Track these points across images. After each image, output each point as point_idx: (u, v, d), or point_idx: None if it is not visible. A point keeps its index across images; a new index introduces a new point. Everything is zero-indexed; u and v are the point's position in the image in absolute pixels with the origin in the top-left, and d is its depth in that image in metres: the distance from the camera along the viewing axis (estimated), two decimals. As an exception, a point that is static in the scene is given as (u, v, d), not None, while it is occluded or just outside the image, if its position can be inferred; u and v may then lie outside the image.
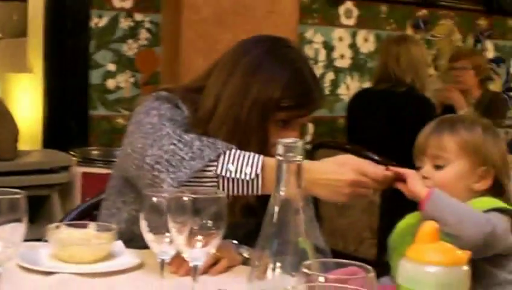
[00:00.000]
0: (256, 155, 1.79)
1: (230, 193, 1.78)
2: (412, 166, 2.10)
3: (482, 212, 1.92)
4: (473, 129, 2.06)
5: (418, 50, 4.52)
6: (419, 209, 1.93)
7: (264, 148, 1.95)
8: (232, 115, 1.97)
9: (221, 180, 1.77)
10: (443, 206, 1.91)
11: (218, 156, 1.79)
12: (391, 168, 1.91)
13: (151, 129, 1.90)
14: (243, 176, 1.76)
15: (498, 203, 1.99)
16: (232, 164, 1.78)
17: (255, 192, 1.78)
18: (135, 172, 1.89)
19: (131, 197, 2.04)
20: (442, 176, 2.04)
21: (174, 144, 1.81)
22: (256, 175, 1.76)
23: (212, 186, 1.77)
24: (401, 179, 1.95)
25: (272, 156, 1.96)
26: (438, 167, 2.05)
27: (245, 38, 2.13)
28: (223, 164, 1.78)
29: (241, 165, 1.77)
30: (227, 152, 1.80)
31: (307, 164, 1.74)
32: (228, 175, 1.77)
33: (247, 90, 1.97)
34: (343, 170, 1.77)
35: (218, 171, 1.77)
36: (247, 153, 1.80)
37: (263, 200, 1.89)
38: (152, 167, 1.80)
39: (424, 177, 2.05)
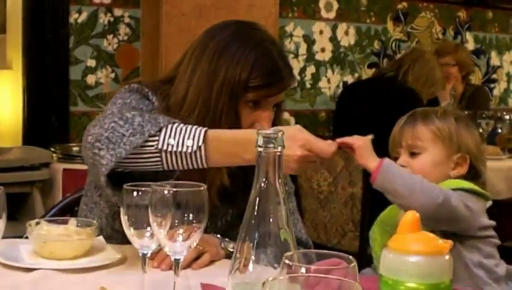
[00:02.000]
0: (199, 128, 1.78)
1: (175, 167, 1.77)
2: (395, 158, 2.12)
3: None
4: (446, 118, 2.11)
5: (435, 69, 4.65)
6: (371, 180, 1.93)
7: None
8: (202, 99, 1.97)
9: (163, 155, 1.76)
10: (394, 177, 1.92)
11: (160, 131, 1.77)
12: (338, 140, 1.90)
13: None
14: (184, 149, 1.75)
15: (468, 184, 2.02)
16: (174, 138, 1.76)
17: (199, 165, 1.76)
18: (82, 154, 1.89)
19: None
20: (419, 163, 2.08)
21: (115, 122, 1.80)
22: (198, 147, 1.74)
23: (155, 161, 1.77)
24: (351, 149, 1.95)
25: None
26: (413, 156, 2.09)
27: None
28: (164, 138, 1.76)
29: (182, 138, 1.76)
30: (169, 126, 1.78)
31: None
32: (170, 149, 1.75)
33: (215, 73, 1.97)
34: (291, 144, 1.73)
35: (160, 146, 1.76)
36: (189, 126, 1.78)
37: (241, 186, 1.90)
38: (93, 145, 1.79)
39: (402, 166, 2.07)
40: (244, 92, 1.96)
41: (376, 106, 4.40)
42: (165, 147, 1.76)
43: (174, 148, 1.75)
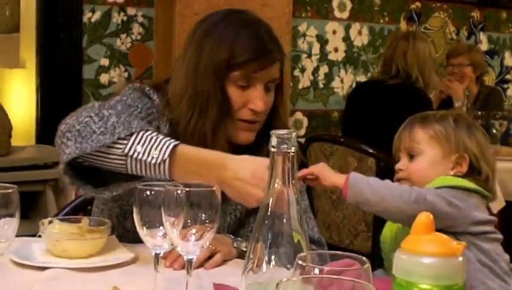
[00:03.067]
0: (170, 141, 1.77)
1: (138, 173, 1.78)
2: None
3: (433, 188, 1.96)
4: (444, 120, 2.12)
5: (425, 47, 4.53)
6: (343, 197, 1.96)
7: (228, 113, 1.97)
8: (190, 83, 1.98)
9: (128, 160, 1.77)
10: (362, 188, 1.94)
11: (130, 135, 1.78)
12: (298, 174, 1.89)
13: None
14: (149, 159, 1.75)
15: (456, 181, 2.02)
16: (142, 145, 1.76)
17: (163, 176, 1.76)
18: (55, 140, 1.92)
19: None
20: (416, 165, 2.10)
21: (91, 117, 1.82)
22: (163, 160, 1.74)
23: (119, 164, 1.78)
24: (314, 178, 1.96)
25: (240, 120, 1.97)
26: (412, 159, 2.10)
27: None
28: (132, 144, 1.77)
29: (150, 148, 1.76)
30: (140, 133, 1.78)
31: (226, 159, 1.76)
32: (135, 156, 1.76)
33: (200, 56, 1.98)
34: (257, 183, 1.68)
35: (126, 151, 1.77)
36: (160, 137, 1.78)
37: None
38: (63, 134, 1.82)
39: (400, 170, 2.10)
40: (229, 71, 1.96)
41: (385, 106, 4.39)
42: (131, 153, 1.76)
43: (140, 156, 1.76)
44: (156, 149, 1.75)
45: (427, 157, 2.09)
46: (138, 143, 1.77)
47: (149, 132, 1.79)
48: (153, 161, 1.74)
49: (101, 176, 1.84)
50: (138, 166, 1.77)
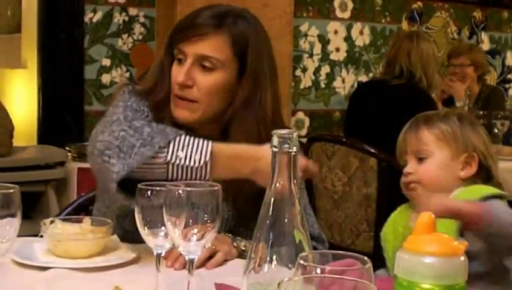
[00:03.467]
0: (206, 141, 1.82)
1: (178, 178, 1.79)
2: (404, 165, 2.11)
3: (480, 200, 1.91)
4: (448, 119, 2.08)
5: (429, 47, 4.53)
6: (471, 227, 1.80)
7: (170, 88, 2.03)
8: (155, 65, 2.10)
9: (170, 167, 1.79)
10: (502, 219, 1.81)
11: (169, 143, 1.80)
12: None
13: (107, 117, 1.95)
14: (192, 163, 1.78)
15: (490, 189, 1.99)
16: (182, 150, 1.79)
17: (203, 178, 1.79)
18: (88, 159, 1.92)
19: None
20: (425, 168, 2.05)
21: (125, 130, 1.83)
22: (205, 163, 1.78)
23: (161, 172, 1.80)
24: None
25: (174, 95, 2.01)
26: (420, 161, 2.06)
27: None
28: (173, 150, 1.80)
29: (190, 152, 1.79)
30: (177, 139, 1.81)
31: (258, 149, 1.82)
32: (178, 162, 1.79)
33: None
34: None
35: (168, 158, 1.79)
36: (196, 139, 1.82)
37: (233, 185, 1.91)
38: (102, 153, 1.81)
39: (409, 173, 2.06)
40: (172, 49, 2.03)
41: (388, 106, 4.38)
42: (173, 160, 1.79)
43: (182, 162, 1.78)
44: (196, 152, 1.79)
45: (437, 159, 2.05)
46: (178, 149, 1.80)
47: (183, 136, 1.83)
48: (196, 165, 1.78)
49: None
50: (180, 171, 1.79)
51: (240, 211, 2.01)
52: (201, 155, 1.78)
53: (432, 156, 2.05)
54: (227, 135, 2.02)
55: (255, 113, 2.03)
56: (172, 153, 1.79)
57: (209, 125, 2.04)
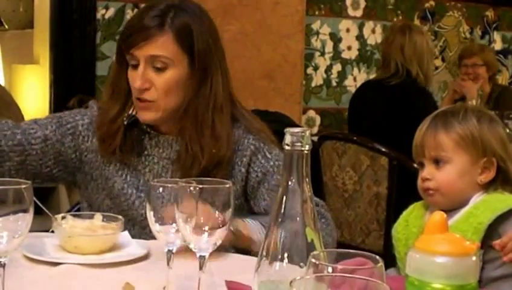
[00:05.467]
0: None
1: None
2: (420, 162, 2.09)
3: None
4: (467, 121, 2.03)
5: (422, 40, 4.50)
6: None
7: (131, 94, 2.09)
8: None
9: None
10: None
11: None
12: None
13: None
14: None
15: (510, 200, 1.98)
16: None
17: None
18: None
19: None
20: (444, 176, 2.02)
21: None
22: None
23: None
24: None
25: (136, 98, 2.07)
26: (438, 166, 2.03)
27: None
28: None
29: None
30: None
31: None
32: None
33: None
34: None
35: None
36: None
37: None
38: None
39: (427, 179, 2.03)
40: (123, 56, 2.07)
41: (387, 106, 4.37)
42: None
43: None
44: None
45: (456, 166, 2.01)
46: None
47: None
48: None
49: None
50: None
51: None
52: None
53: (450, 163, 2.01)
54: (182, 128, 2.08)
55: (207, 103, 2.08)
56: None
57: (168, 121, 2.11)
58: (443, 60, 5.86)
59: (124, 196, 2.09)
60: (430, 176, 2.03)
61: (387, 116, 4.29)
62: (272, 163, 2.10)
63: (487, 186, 2.03)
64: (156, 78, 2.03)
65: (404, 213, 2.14)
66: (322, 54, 5.26)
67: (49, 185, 3.81)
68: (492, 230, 1.92)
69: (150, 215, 1.50)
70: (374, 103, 4.45)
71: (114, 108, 2.11)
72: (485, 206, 1.97)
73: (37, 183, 2.05)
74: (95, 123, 2.12)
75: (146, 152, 2.13)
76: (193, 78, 2.07)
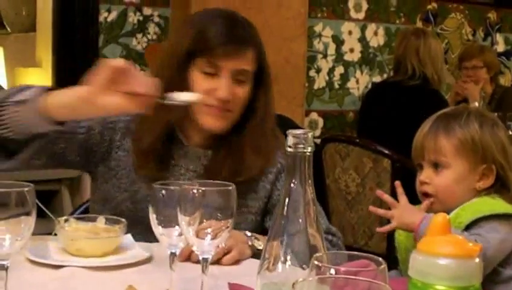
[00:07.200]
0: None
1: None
2: (418, 164, 2.09)
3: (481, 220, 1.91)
4: (469, 126, 2.02)
5: (436, 43, 4.57)
6: None
7: None
8: (158, 69, 2.07)
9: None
10: None
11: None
12: None
13: None
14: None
15: (497, 206, 1.97)
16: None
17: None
18: None
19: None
20: (442, 180, 2.01)
21: None
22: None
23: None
24: None
25: (206, 106, 1.99)
26: (436, 169, 2.02)
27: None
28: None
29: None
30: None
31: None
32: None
33: (168, 43, 2.12)
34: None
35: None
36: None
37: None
38: None
39: (425, 183, 2.03)
40: (195, 57, 1.99)
41: (401, 107, 4.38)
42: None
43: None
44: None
45: (454, 172, 2.00)
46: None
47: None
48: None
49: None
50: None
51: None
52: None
53: (449, 168, 2.00)
54: (228, 146, 2.04)
55: (268, 126, 2.07)
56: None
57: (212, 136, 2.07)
58: (446, 62, 5.86)
59: (146, 203, 2.08)
60: (428, 179, 2.02)
61: (400, 117, 4.29)
62: None
63: (483, 193, 2.02)
64: (238, 90, 2.01)
65: (407, 216, 2.14)
66: (325, 56, 5.26)
67: (53, 187, 3.83)
68: (470, 230, 1.92)
69: (153, 217, 1.50)
70: (388, 103, 4.47)
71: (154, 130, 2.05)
72: (471, 208, 1.97)
73: (51, 167, 2.03)
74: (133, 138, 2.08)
75: (173, 161, 2.07)
76: (258, 98, 2.06)
